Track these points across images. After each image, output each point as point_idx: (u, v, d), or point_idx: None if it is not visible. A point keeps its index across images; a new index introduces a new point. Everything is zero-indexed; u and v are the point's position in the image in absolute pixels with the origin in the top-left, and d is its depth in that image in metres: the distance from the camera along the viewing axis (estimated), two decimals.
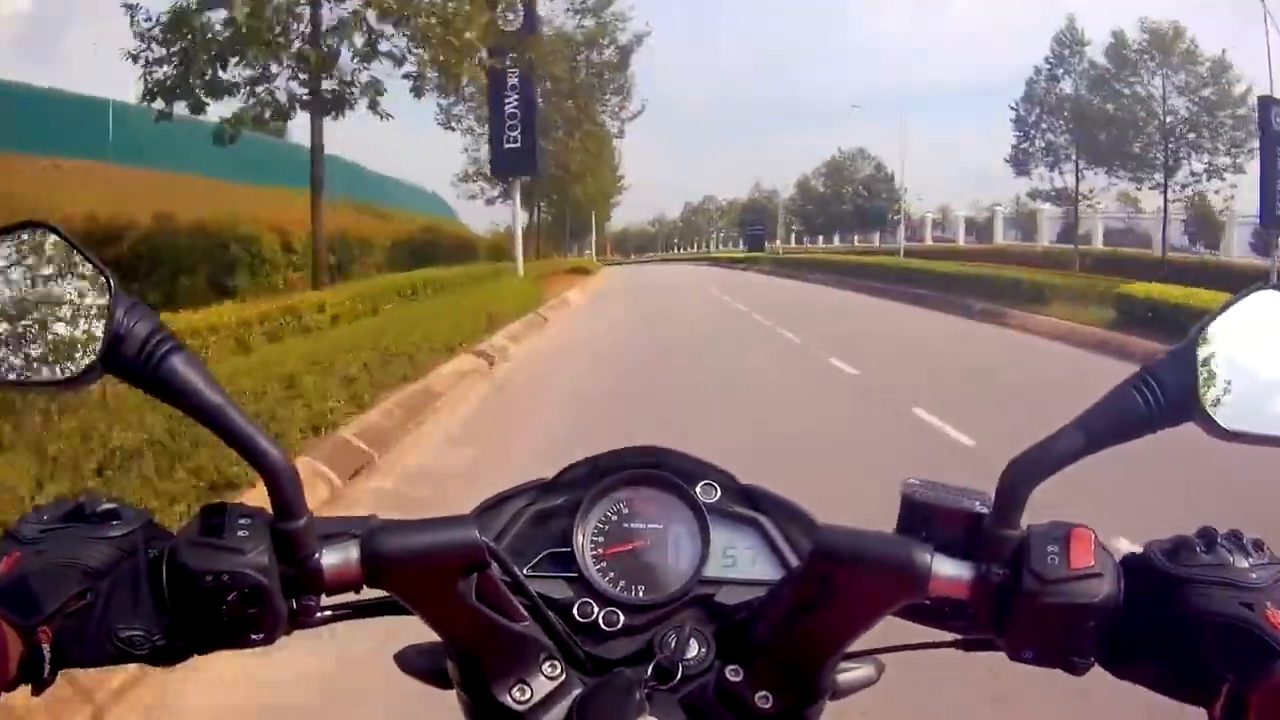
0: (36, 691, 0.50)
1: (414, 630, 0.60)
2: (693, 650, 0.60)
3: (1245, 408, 0.53)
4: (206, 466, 4.18)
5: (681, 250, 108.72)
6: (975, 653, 0.58)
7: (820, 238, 61.61)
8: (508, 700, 0.57)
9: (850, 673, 0.65)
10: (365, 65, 11.49)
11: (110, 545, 0.52)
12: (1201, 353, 0.53)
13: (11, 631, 0.48)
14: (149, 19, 10.56)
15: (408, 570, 0.54)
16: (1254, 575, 0.50)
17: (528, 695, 0.58)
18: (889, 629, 0.61)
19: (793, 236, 69.18)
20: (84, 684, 2.38)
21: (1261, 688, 0.47)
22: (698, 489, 0.67)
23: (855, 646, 0.58)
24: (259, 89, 11.24)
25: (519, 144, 21.77)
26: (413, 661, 0.65)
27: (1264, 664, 0.47)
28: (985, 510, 0.54)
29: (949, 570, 0.53)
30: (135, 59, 10.66)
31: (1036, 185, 30.70)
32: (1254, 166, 22.71)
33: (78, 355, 0.52)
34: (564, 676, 0.59)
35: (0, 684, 0.47)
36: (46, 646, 0.49)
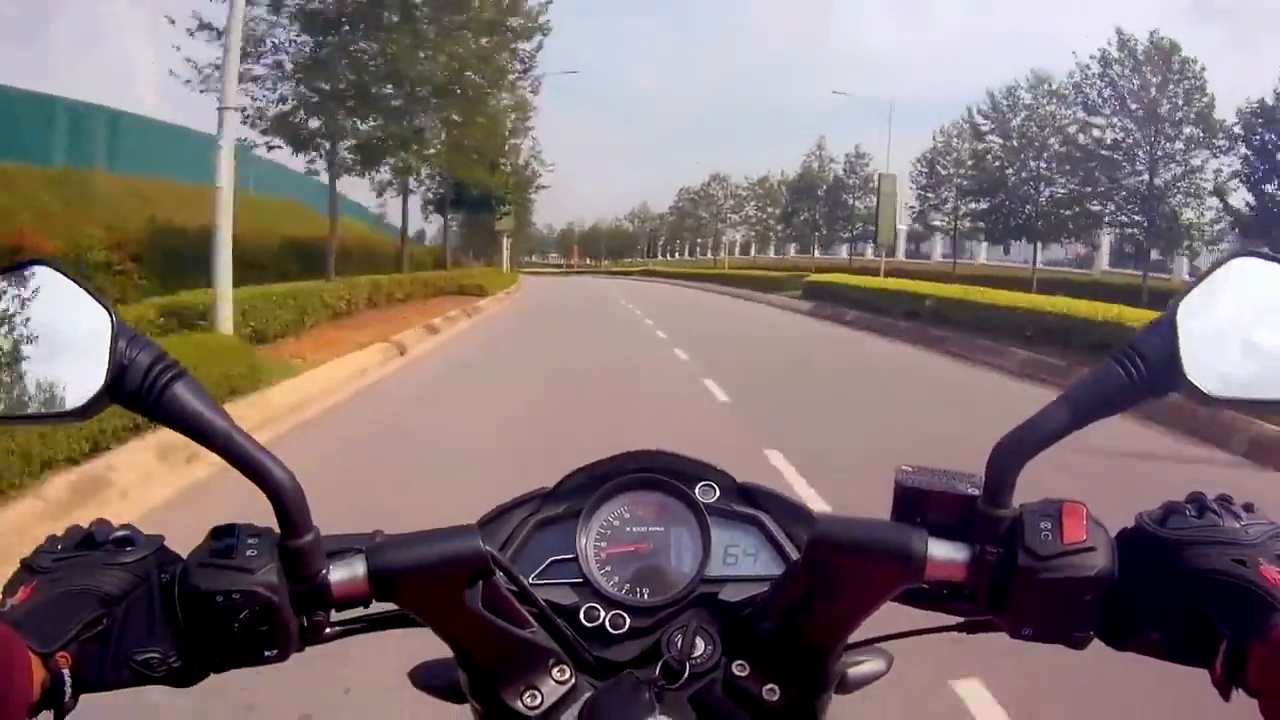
0: (59, 717, 0.51)
1: (427, 646, 0.60)
2: (699, 648, 0.61)
3: (1229, 373, 0.54)
4: None
5: (674, 254, 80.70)
6: (978, 634, 0.59)
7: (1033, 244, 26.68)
8: (519, 706, 0.58)
9: (860, 666, 0.65)
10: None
11: (124, 570, 0.54)
12: (1183, 322, 0.54)
13: (34, 657, 0.49)
14: None
15: (414, 582, 0.55)
16: (1246, 534, 0.51)
17: (538, 700, 0.58)
18: (894, 619, 0.61)
19: (954, 240, 33.12)
20: None
21: (1259, 642, 0.47)
22: (697, 490, 0.68)
23: (858, 635, 0.59)
24: None
25: None
26: (427, 678, 0.66)
27: (1261, 619, 0.48)
28: (977, 492, 0.54)
29: (945, 553, 0.54)
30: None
31: None
32: None
33: (84, 387, 0.54)
34: (573, 680, 0.59)
35: (23, 709, 0.49)
36: (67, 672, 0.50)
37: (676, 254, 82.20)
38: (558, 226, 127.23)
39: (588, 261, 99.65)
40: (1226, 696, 0.49)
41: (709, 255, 70.33)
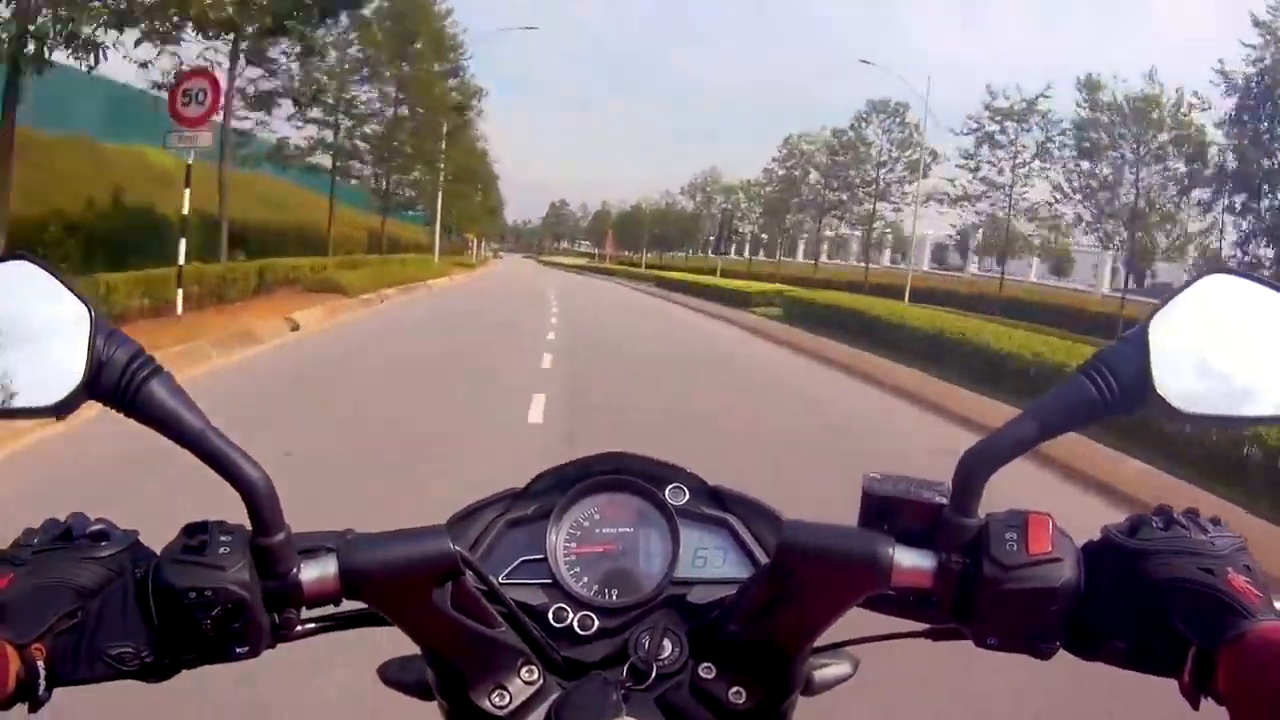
0: (33, 709, 0.52)
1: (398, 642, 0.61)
2: (666, 650, 0.61)
3: (1200, 390, 0.54)
4: None
5: (760, 251, 51.50)
6: (944, 642, 0.59)
7: None
8: (487, 706, 0.59)
9: (827, 669, 0.66)
10: None
11: (99, 565, 0.54)
12: (1154, 338, 0.54)
13: (9, 648, 0.50)
14: None
15: (383, 582, 0.55)
16: (1213, 545, 0.52)
17: (506, 700, 0.59)
18: (863, 625, 0.62)
19: None
20: None
21: (1228, 648, 0.47)
22: (666, 492, 0.68)
23: (824, 640, 0.59)
24: None
25: None
26: (396, 674, 0.67)
27: (1229, 625, 0.48)
28: (944, 501, 0.55)
29: (911, 561, 0.54)
30: None
31: None
32: None
33: (63, 382, 0.54)
34: (541, 681, 0.60)
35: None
36: (41, 664, 0.51)
37: (774, 253, 48.94)
38: (592, 207, 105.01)
39: (626, 254, 75.73)
40: (1196, 705, 0.50)
41: (854, 259, 42.04)
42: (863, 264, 37.51)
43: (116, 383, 0.53)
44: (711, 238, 59.37)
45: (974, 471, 0.54)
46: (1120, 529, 0.54)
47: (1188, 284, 0.56)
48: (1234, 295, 0.55)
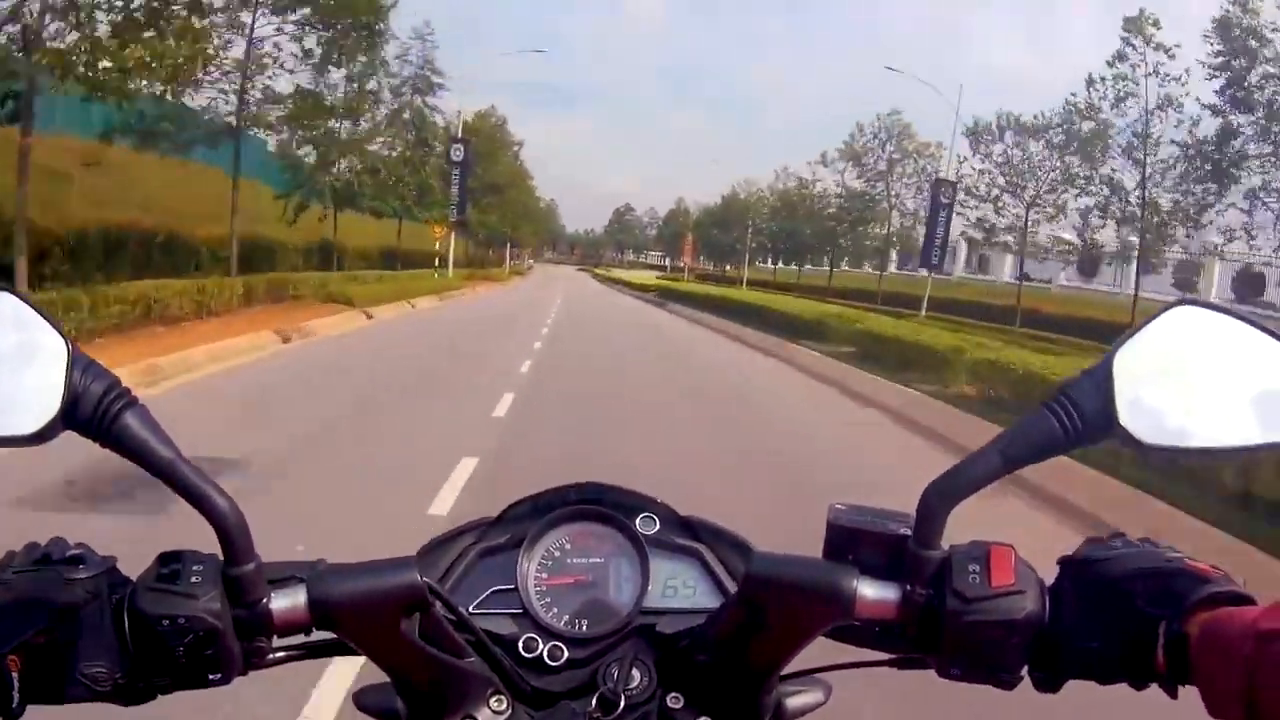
0: None
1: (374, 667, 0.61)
2: (635, 680, 0.62)
3: (1164, 422, 0.54)
4: None
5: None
6: (909, 670, 0.59)
7: None
8: None
9: (798, 697, 0.66)
10: None
11: (76, 586, 0.55)
12: (1119, 370, 0.54)
13: None
14: None
15: (352, 612, 0.56)
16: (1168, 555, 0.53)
17: None
18: (836, 653, 0.62)
19: None
20: None
21: (1195, 620, 0.48)
22: (637, 522, 0.69)
23: (793, 668, 0.60)
24: None
25: None
26: (371, 700, 0.67)
27: (1193, 594, 0.49)
28: (908, 532, 0.55)
29: (875, 592, 0.54)
30: None
31: None
32: None
33: (40, 412, 0.55)
34: (510, 711, 0.60)
35: None
36: (15, 675, 0.52)
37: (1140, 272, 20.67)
38: (662, 211, 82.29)
39: (713, 268, 54.05)
40: (1174, 694, 0.50)
41: None
42: None
43: (92, 414, 0.54)
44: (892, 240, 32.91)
45: (936, 504, 0.54)
46: (1079, 552, 0.55)
47: (1153, 316, 0.56)
48: (1201, 326, 0.55)
